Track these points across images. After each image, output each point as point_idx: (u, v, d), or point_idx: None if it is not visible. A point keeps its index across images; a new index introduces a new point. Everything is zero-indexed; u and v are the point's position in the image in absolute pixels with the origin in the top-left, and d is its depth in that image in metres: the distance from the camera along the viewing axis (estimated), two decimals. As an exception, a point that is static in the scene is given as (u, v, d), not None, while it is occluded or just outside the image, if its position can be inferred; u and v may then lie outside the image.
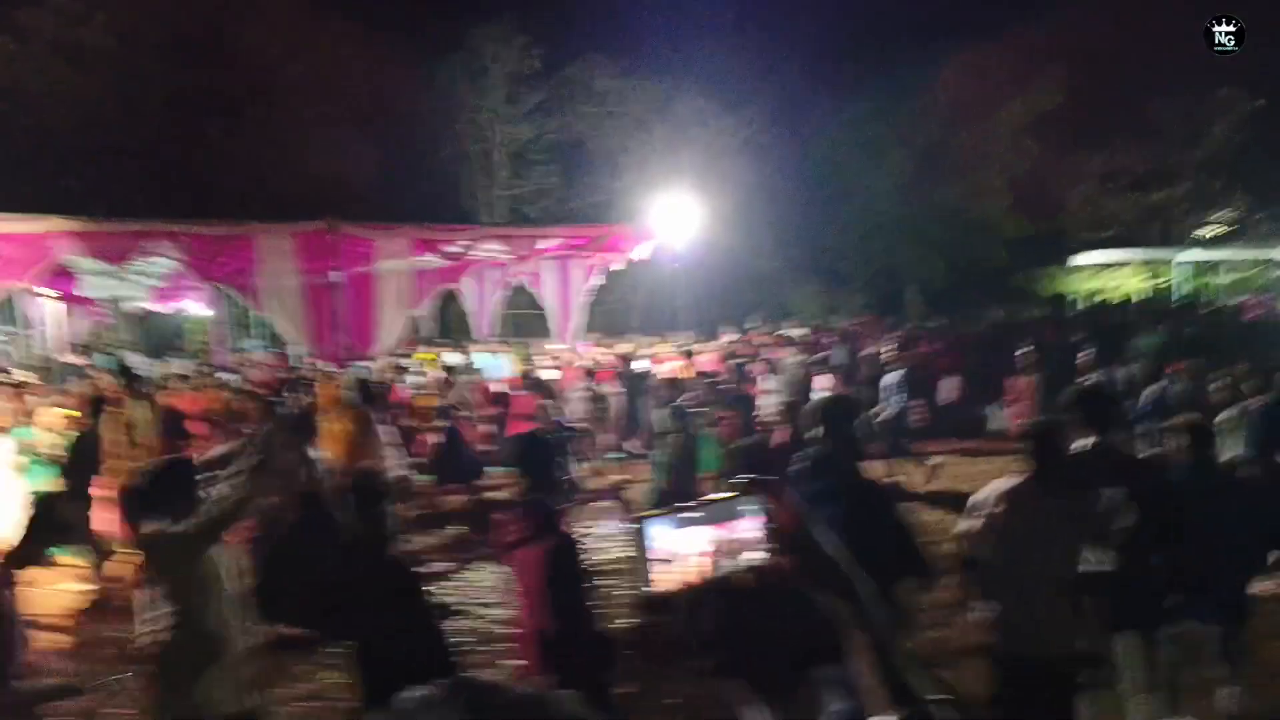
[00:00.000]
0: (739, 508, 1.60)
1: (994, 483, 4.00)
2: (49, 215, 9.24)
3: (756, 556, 1.57)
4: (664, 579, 1.52)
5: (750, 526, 1.59)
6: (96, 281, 14.26)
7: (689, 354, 13.46)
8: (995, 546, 3.81)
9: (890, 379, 11.38)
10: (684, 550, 1.53)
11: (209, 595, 3.38)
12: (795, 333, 17.64)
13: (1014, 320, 21.70)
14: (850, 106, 28.19)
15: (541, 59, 27.98)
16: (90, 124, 20.84)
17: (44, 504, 4.52)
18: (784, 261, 28.68)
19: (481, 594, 7.35)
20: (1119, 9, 27.30)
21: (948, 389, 13.72)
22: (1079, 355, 11.67)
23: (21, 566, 3.58)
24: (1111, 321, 17.05)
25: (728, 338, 17.51)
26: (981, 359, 14.56)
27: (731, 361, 13.35)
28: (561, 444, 9.60)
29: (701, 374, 10.21)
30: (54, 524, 3.40)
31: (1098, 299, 24.88)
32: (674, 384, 8.53)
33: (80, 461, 7.32)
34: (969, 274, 28.17)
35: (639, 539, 1.49)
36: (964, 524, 4.01)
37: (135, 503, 3.53)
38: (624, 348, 16.32)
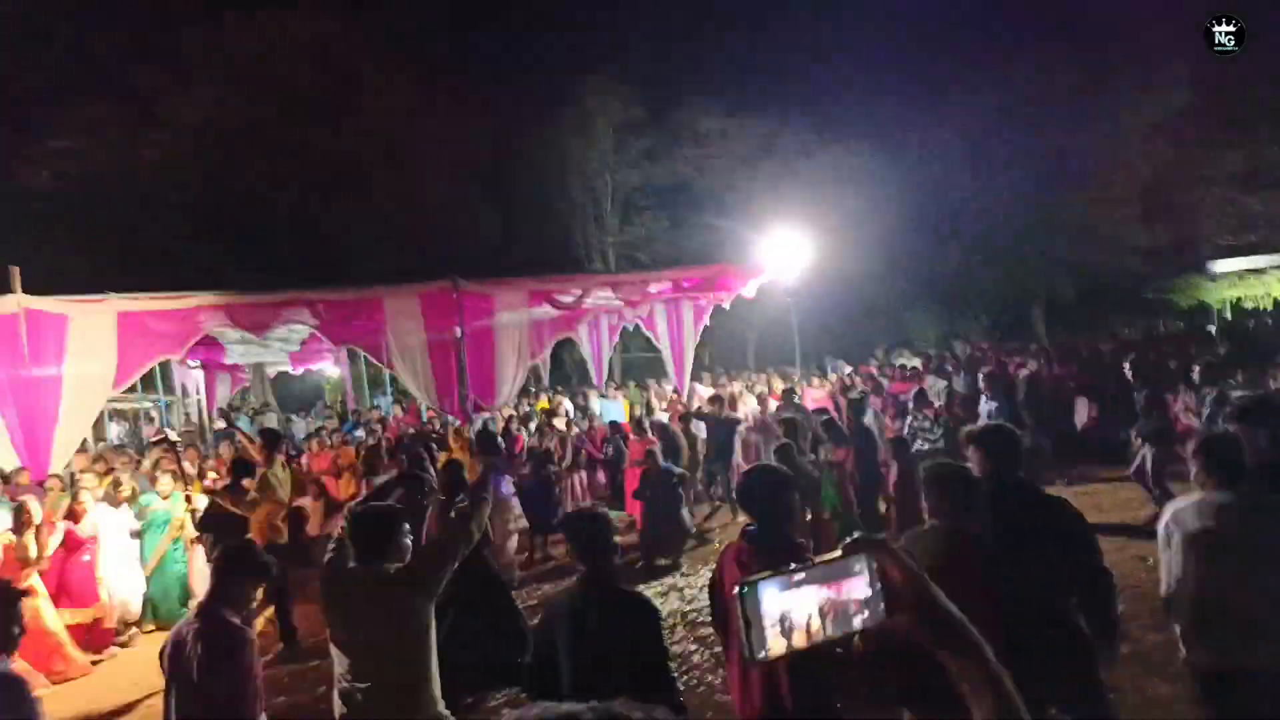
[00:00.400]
0: (850, 566, 1.57)
1: (1173, 505, 3.75)
2: (199, 292, 9.97)
3: (869, 618, 1.53)
4: (776, 645, 1.49)
5: (862, 586, 1.55)
6: (241, 349, 15.26)
7: (790, 392, 13.34)
8: (1209, 568, 3.51)
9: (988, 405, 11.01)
10: (795, 613, 1.50)
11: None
12: (910, 362, 17.20)
13: (1152, 335, 20.59)
14: (961, 123, 27.48)
15: (646, 106, 28.53)
16: (233, 200, 22.47)
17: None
18: (901, 289, 28.07)
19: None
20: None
21: (1081, 412, 13.12)
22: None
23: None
24: (1260, 330, 15.91)
25: (838, 372, 17.22)
26: (1117, 378, 13.84)
27: (842, 396, 13.15)
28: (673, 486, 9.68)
29: (817, 410, 10.09)
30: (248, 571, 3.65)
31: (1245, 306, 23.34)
32: (790, 423, 8.45)
33: (227, 520, 7.81)
34: (1100, 289, 26.88)
35: (752, 602, 1.48)
36: (1165, 553, 3.69)
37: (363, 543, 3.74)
38: (735, 386, 16.29)
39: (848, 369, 18.43)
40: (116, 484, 9.10)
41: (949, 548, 3.23)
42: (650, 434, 11.55)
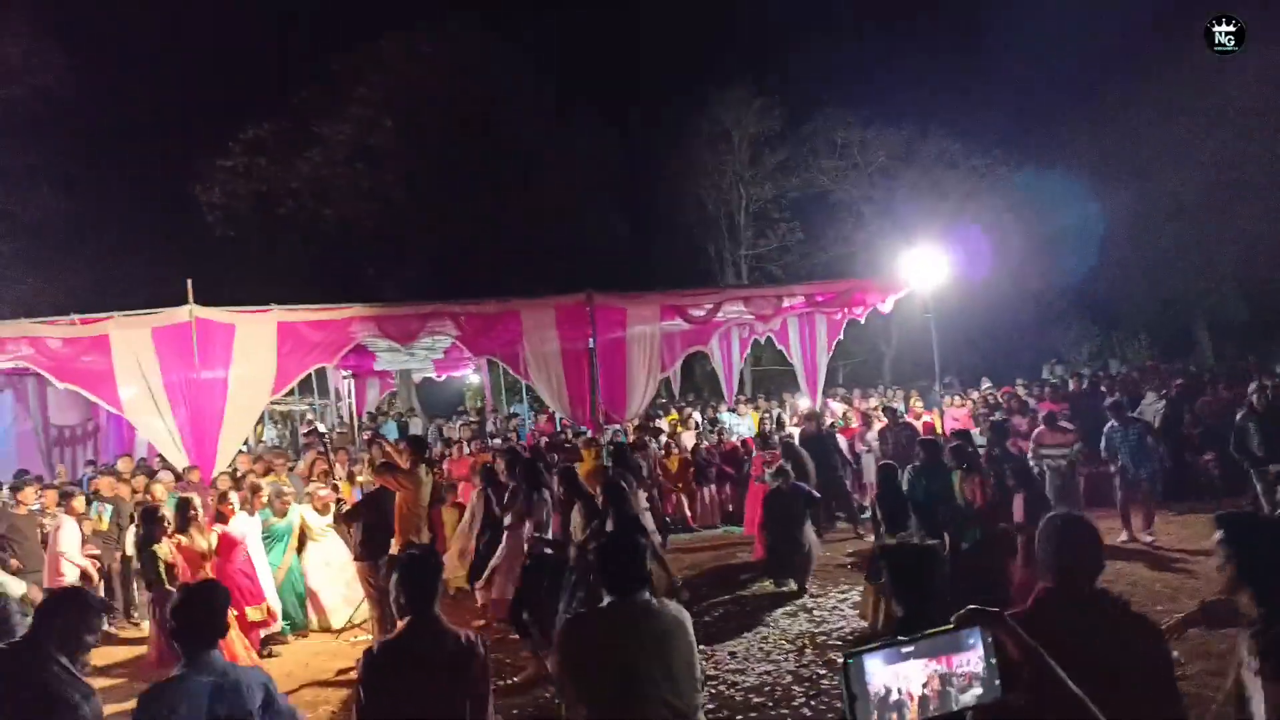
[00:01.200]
0: (963, 640, 1.49)
1: None
2: (351, 304, 10.54)
3: (983, 694, 1.45)
4: None
5: (975, 660, 1.47)
6: (389, 356, 16.01)
7: (893, 411, 12.96)
8: None
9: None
10: (903, 687, 1.43)
11: None
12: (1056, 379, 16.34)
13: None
14: (1115, 126, 25.94)
15: (781, 118, 28.29)
16: (380, 215, 23.64)
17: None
18: (1050, 304, 26.73)
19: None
20: None
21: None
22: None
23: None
24: None
25: (979, 391, 16.54)
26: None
27: (985, 417, 12.62)
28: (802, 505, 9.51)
29: (956, 433, 9.70)
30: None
31: None
32: (931, 444, 8.16)
33: (374, 520, 8.19)
34: (1272, 306, 24.80)
35: (857, 675, 1.42)
36: None
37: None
38: (872, 403, 15.91)
39: (989, 386, 17.69)
40: (255, 490, 9.43)
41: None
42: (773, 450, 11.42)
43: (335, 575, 9.62)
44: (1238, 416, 10.19)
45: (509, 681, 7.14)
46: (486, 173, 24.58)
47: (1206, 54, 24.26)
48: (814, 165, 28.15)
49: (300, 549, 9.63)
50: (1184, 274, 25.51)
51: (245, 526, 8.88)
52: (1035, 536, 2.94)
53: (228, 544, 8.51)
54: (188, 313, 9.38)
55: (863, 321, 14.65)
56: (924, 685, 1.43)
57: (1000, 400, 14.68)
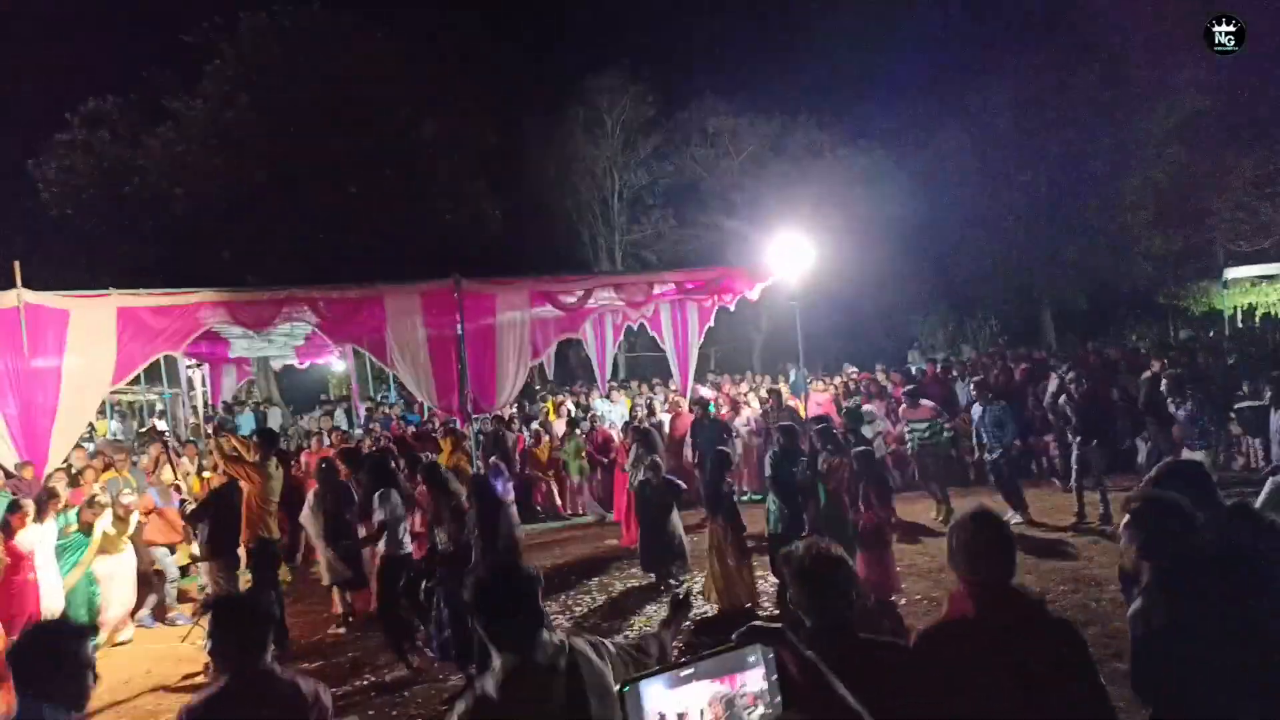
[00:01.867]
0: (745, 658, 1.47)
1: None
2: (199, 289, 9.96)
3: (764, 713, 1.43)
4: None
5: (758, 679, 1.45)
6: (245, 344, 15.27)
7: (778, 393, 13.28)
8: None
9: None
10: (683, 711, 1.39)
11: None
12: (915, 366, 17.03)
13: (1163, 342, 20.42)
14: (975, 126, 27.30)
15: (655, 105, 28.46)
16: (238, 196, 22.43)
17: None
18: (911, 292, 27.90)
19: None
20: None
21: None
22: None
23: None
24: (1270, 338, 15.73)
25: (843, 375, 17.10)
26: (1127, 387, 13.68)
27: (845, 401, 13.06)
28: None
29: (816, 417, 9.99)
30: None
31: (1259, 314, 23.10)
32: (789, 429, 8.34)
33: (218, 517, 7.82)
34: (1111, 295, 26.67)
35: (634, 704, 1.36)
36: None
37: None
38: (742, 388, 16.21)
39: (852, 371, 18.30)
40: (51, 495, 8.09)
41: None
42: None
43: (118, 590, 8.84)
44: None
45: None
46: (355, 155, 23.71)
47: (1058, 54, 25.77)
48: (686, 153, 28.48)
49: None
50: (1033, 264, 27.08)
51: (36, 536, 7.65)
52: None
53: (15, 557, 7.40)
54: (15, 297, 8.68)
55: (732, 309, 14.91)
56: (706, 708, 1.40)
57: (859, 386, 15.20)
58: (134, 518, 9.01)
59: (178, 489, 9.65)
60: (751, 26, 33.54)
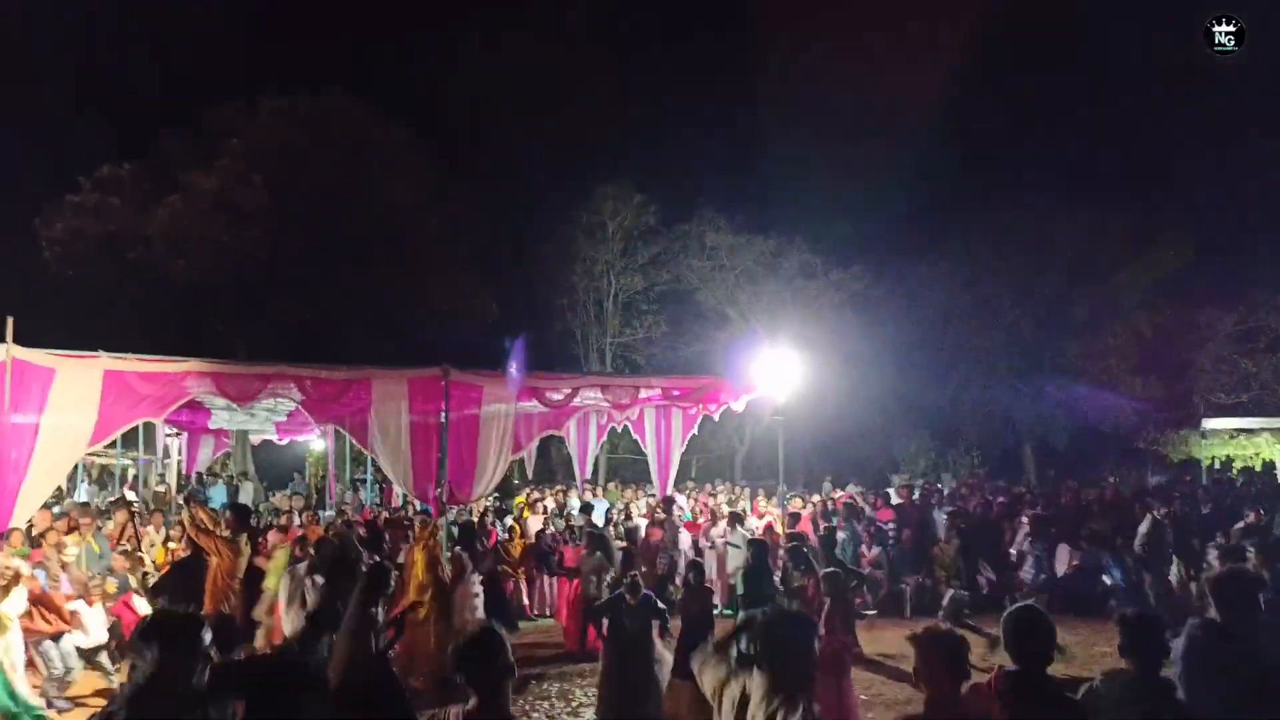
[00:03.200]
0: None
1: None
2: (186, 358, 10.02)
3: None
4: None
5: None
6: (227, 415, 15.25)
7: (737, 516, 13.24)
8: None
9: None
10: None
11: None
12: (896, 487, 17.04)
13: (1141, 485, 20.53)
14: (964, 260, 28.11)
15: (657, 215, 29.23)
16: (240, 271, 22.70)
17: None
18: (894, 416, 28.15)
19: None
20: (1247, 158, 26.83)
21: (1063, 557, 12.95)
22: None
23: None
24: (1245, 492, 15.87)
25: (821, 495, 17.07)
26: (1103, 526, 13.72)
27: (823, 520, 13.03)
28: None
29: (790, 535, 9.96)
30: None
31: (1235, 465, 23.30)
32: (760, 544, 8.32)
33: (182, 589, 7.67)
34: (1092, 435, 26.98)
35: None
36: None
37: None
38: (720, 499, 16.16)
39: (836, 493, 18.28)
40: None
41: None
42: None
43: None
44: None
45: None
46: (357, 240, 24.14)
47: (1040, 201, 26.87)
48: (683, 263, 29.08)
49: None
50: (1017, 398, 27.43)
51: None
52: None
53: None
54: (4, 352, 8.72)
55: (716, 418, 15.00)
56: None
57: (837, 507, 15.16)
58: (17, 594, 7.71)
59: (141, 560, 9.44)
60: (755, 151, 34.81)
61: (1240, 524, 11.52)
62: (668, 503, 14.13)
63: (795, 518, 12.77)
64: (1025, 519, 13.48)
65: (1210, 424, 23.62)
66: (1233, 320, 26.31)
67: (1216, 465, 23.21)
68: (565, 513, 14.79)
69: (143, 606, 8.68)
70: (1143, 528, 11.81)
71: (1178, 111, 29.61)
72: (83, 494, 15.91)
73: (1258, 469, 22.41)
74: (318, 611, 5.81)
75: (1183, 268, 26.57)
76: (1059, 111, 33.10)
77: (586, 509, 14.40)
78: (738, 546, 12.70)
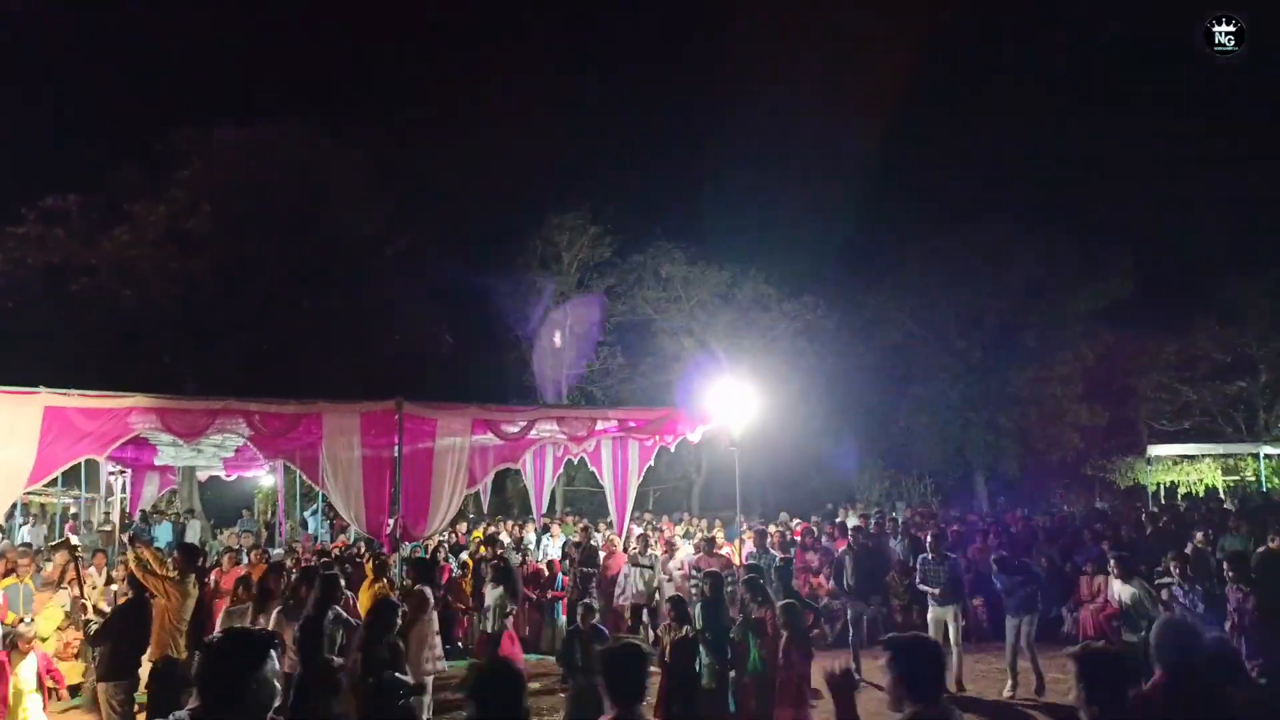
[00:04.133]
0: None
1: None
2: (131, 393, 9.79)
3: None
4: None
5: None
6: (173, 451, 14.87)
7: (710, 541, 13.25)
8: None
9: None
10: None
11: None
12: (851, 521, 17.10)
13: (1089, 511, 20.89)
14: (915, 290, 28.57)
15: (612, 247, 29.32)
16: (190, 302, 22.28)
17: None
18: (848, 445, 28.40)
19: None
20: (1193, 188, 27.80)
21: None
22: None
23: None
24: (1189, 516, 16.23)
25: (778, 525, 17.09)
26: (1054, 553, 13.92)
27: (780, 551, 13.06)
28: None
29: (747, 566, 9.96)
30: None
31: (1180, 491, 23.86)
32: (714, 575, 8.30)
33: (127, 634, 7.42)
34: (1040, 463, 27.45)
35: None
36: None
37: None
38: (678, 530, 16.13)
39: (793, 522, 18.31)
40: None
41: None
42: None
43: None
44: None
45: None
46: (312, 270, 23.84)
47: (990, 233, 27.65)
48: (639, 294, 29.19)
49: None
50: (967, 426, 27.86)
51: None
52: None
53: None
54: (-65, 388, 8.46)
55: (673, 449, 14.98)
56: None
57: (794, 538, 15.20)
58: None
59: (84, 608, 9.11)
60: (710, 183, 35.29)
61: (1188, 546, 11.75)
62: (642, 540, 14.04)
63: (763, 535, 12.94)
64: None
65: (1155, 450, 24.22)
66: (1174, 349, 27.05)
67: (1162, 491, 23.75)
68: (523, 548, 14.64)
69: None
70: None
71: (1122, 139, 30.75)
72: (24, 535, 15.40)
73: (1200, 494, 22.98)
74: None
75: (1125, 297, 27.30)
76: (1010, 142, 34.13)
77: (491, 541, 14.31)
78: (650, 568, 12.79)
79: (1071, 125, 34.26)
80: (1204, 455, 24.30)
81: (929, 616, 10.41)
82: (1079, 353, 27.14)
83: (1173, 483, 24.44)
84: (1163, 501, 21.55)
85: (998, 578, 10.22)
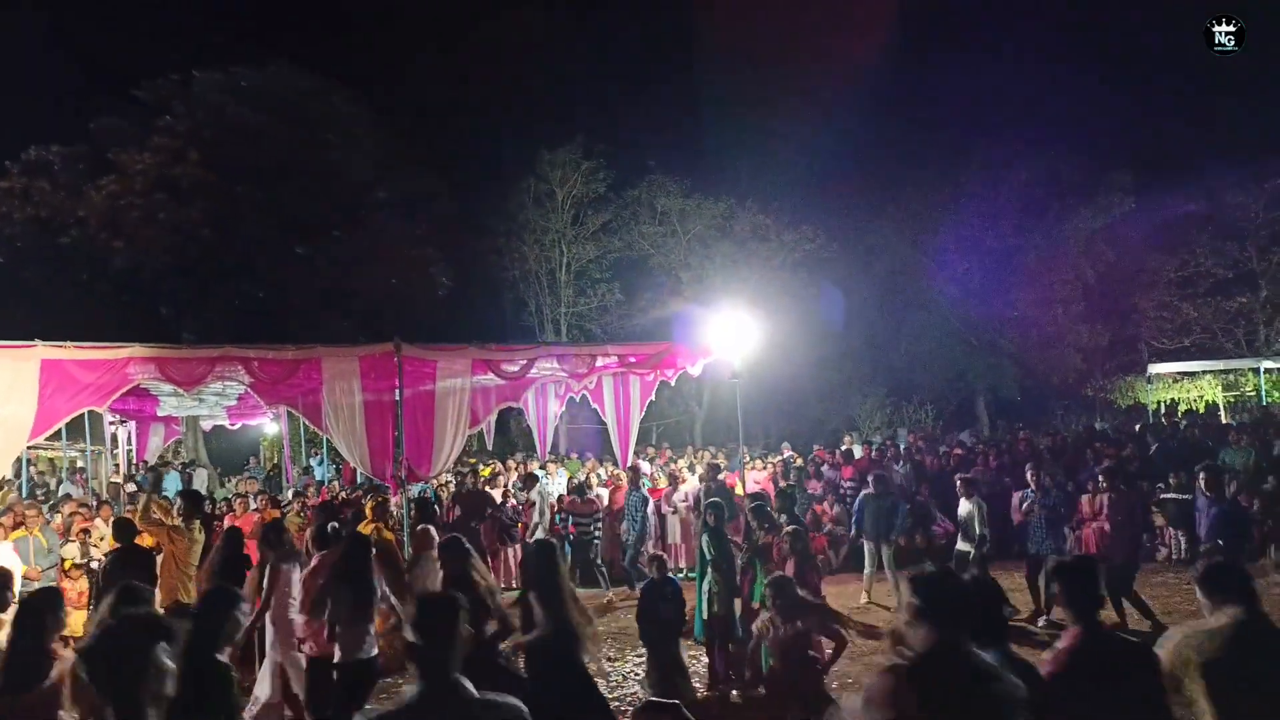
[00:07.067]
0: None
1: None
2: (129, 344, 9.73)
3: None
4: None
5: None
6: (175, 402, 14.88)
7: (715, 468, 13.30)
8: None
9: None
10: None
11: None
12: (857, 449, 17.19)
13: (1091, 431, 20.96)
14: (915, 215, 28.28)
15: (606, 182, 28.95)
16: (183, 252, 22.08)
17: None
18: (850, 374, 28.42)
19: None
20: (1193, 106, 27.31)
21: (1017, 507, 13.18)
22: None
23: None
24: (1189, 434, 16.25)
25: (780, 455, 17.19)
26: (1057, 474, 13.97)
27: (783, 480, 13.13)
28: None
29: (754, 494, 10.00)
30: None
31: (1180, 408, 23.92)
32: (716, 507, 8.32)
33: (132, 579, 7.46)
34: (1042, 384, 27.50)
35: None
36: None
37: None
38: (681, 463, 16.22)
39: (788, 450, 18.41)
40: None
41: None
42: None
43: None
44: None
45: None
46: (306, 215, 23.57)
47: (995, 150, 27.23)
48: (635, 230, 28.89)
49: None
50: (969, 351, 27.83)
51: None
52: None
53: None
54: (-70, 344, 8.41)
55: (673, 384, 14.98)
56: None
57: (803, 464, 15.29)
58: None
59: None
60: (703, 114, 34.69)
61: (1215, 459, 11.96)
62: (634, 471, 14.12)
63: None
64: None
65: (1155, 369, 24.21)
66: (1174, 266, 26.86)
67: (1162, 409, 23.82)
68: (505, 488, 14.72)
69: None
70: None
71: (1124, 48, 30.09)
72: (68, 488, 15.41)
73: (1201, 410, 23.03)
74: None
75: (1125, 214, 27.01)
76: (1011, 59, 33.46)
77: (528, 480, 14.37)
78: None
79: (1070, 42, 33.52)
80: (1204, 372, 24.29)
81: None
82: (1080, 272, 26.95)
83: (1173, 400, 24.47)
84: (1163, 420, 21.64)
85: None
